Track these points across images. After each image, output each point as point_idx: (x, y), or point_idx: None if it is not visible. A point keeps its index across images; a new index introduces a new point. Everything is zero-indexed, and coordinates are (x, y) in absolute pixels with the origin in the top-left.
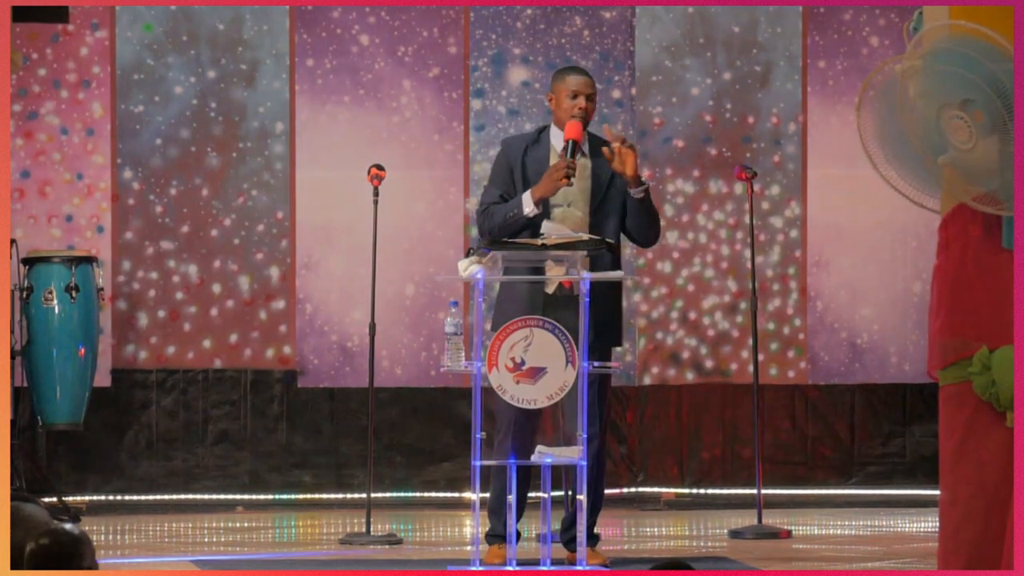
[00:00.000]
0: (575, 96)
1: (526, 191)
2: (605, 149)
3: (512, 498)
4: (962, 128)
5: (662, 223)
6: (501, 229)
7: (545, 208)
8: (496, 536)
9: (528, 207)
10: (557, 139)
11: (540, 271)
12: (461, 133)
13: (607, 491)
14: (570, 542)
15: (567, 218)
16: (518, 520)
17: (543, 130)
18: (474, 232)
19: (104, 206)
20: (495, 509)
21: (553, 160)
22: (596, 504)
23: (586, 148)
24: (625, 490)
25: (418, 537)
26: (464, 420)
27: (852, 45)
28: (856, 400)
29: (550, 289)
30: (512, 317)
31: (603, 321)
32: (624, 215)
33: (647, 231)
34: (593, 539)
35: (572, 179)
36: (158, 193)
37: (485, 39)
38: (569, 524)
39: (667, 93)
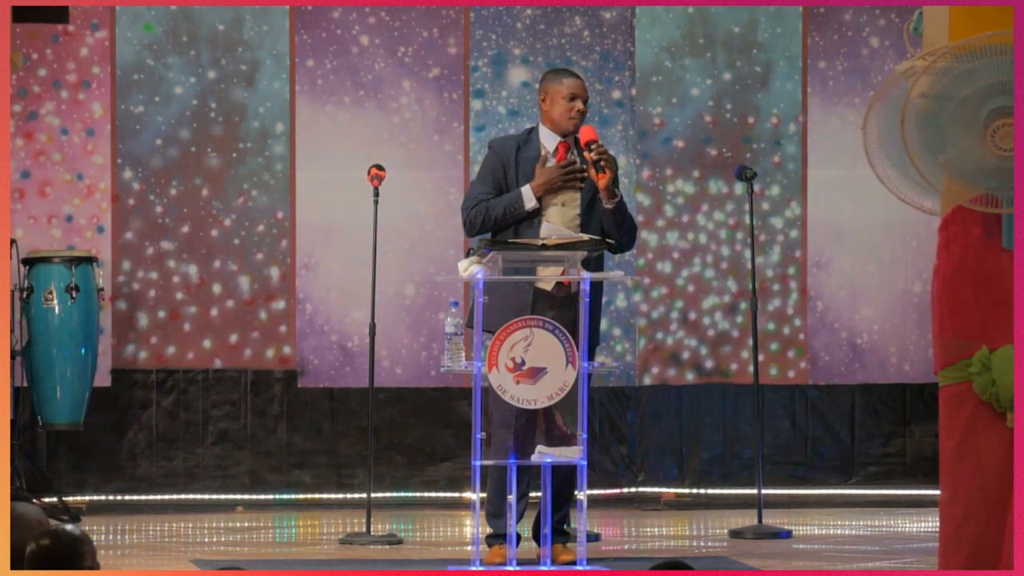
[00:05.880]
0: (573, 98)
1: (524, 186)
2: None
3: (512, 498)
4: (1011, 135)
5: (662, 223)
6: (497, 222)
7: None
8: (494, 537)
9: (530, 202)
10: (547, 139)
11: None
12: (461, 133)
13: (607, 491)
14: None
15: (562, 216)
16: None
17: (532, 131)
18: None
19: (104, 206)
20: (489, 511)
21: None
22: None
23: (577, 149)
24: (625, 490)
25: (418, 537)
26: (464, 420)
27: (852, 45)
28: (856, 400)
29: (548, 286)
30: (502, 318)
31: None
32: None
33: (619, 239)
34: (563, 536)
35: (584, 183)
36: (158, 193)
37: (485, 39)
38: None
39: (667, 93)
